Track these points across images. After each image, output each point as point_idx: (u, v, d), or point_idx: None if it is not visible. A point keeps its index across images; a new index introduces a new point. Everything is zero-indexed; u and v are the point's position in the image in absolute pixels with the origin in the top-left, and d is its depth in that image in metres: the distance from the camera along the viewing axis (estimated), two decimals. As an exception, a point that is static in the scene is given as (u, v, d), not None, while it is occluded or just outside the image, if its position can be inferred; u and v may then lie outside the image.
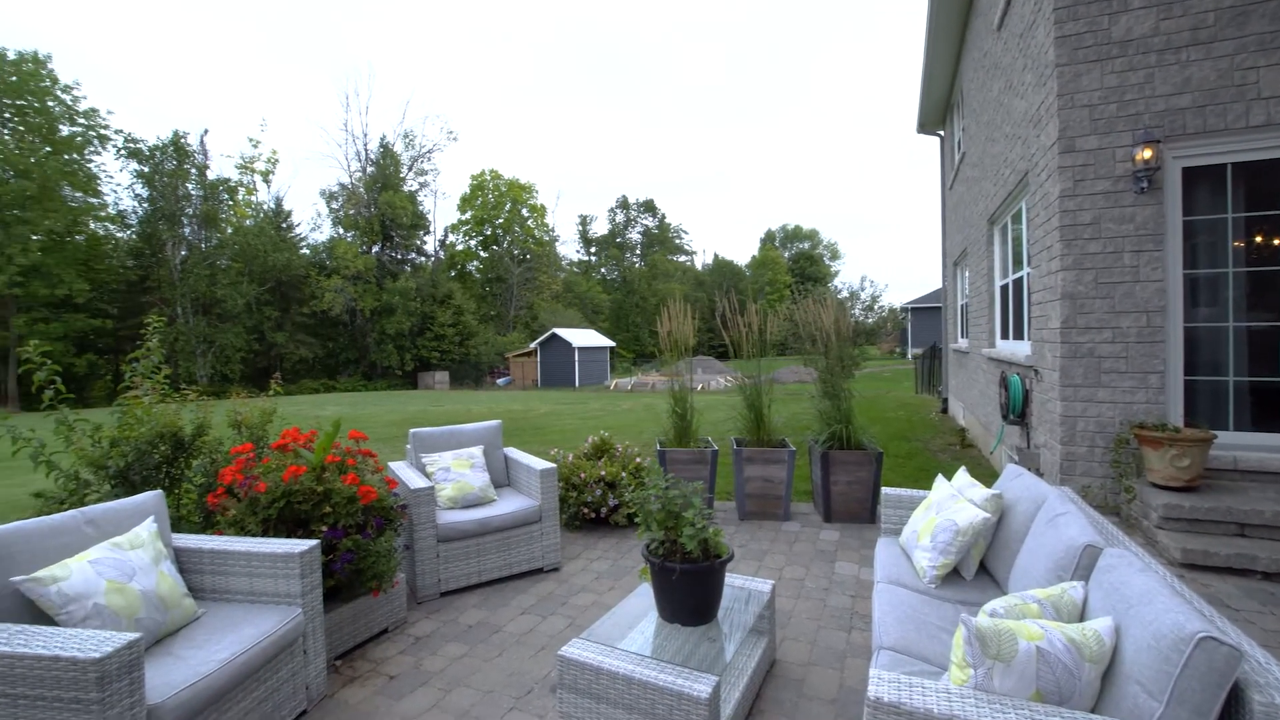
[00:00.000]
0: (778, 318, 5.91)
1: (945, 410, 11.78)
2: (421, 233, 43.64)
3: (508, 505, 4.08)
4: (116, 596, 2.22)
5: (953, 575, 2.76)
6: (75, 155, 30.54)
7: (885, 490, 3.40)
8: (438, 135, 61.52)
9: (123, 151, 33.13)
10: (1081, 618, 1.77)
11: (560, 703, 2.26)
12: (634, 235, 65.12)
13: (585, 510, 4.91)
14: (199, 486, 3.77)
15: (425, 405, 19.91)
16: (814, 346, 5.57)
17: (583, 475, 4.94)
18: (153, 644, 2.28)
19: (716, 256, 70.42)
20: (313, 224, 51.57)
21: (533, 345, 34.86)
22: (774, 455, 5.12)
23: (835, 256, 76.70)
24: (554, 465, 4.24)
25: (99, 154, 31.75)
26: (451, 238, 49.17)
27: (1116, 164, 4.40)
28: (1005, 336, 6.97)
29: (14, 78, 27.92)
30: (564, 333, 33.83)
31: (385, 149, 42.23)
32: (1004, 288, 7.01)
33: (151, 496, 2.76)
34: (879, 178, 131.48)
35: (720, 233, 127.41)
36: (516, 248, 49.61)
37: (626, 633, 2.47)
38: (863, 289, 64.67)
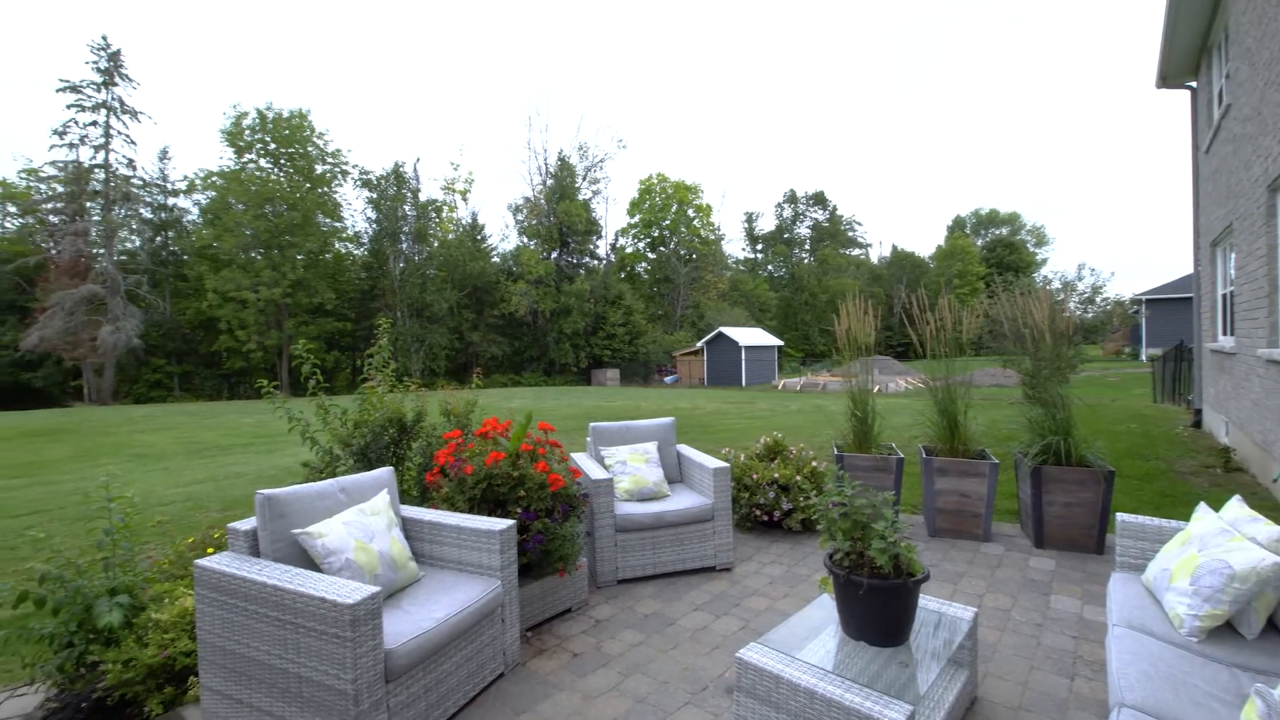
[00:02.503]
0: (972, 314, 5.27)
1: (1198, 424, 9.63)
2: (594, 238, 46.40)
3: (681, 501, 4.15)
4: (361, 554, 2.64)
5: (1224, 630, 2.23)
6: (325, 189, 38.33)
7: (1121, 517, 2.85)
8: (608, 145, 64.53)
9: (358, 182, 40.43)
10: None
11: (737, 705, 2.22)
12: (802, 230, 62.70)
13: (757, 512, 4.81)
14: (418, 466, 4.37)
15: (598, 400, 21.08)
16: (1019, 345, 4.88)
17: (755, 476, 4.85)
18: (386, 598, 2.68)
19: (894, 248, 65.36)
20: (502, 234, 57.46)
21: (699, 344, 35.16)
22: (972, 467, 4.57)
23: (1041, 242, 66.90)
24: (727, 464, 4.21)
25: (341, 186, 39.57)
26: (621, 241, 51.47)
27: None
28: (1295, 333, 5.49)
29: (287, 131, 35.81)
30: (730, 331, 33.63)
31: (562, 162, 45.47)
32: (1293, 271, 5.53)
33: (385, 472, 3.24)
34: (1101, 148, 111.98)
35: (899, 222, 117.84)
36: (683, 248, 50.41)
37: (805, 643, 2.36)
38: (1079, 278, 55.29)
